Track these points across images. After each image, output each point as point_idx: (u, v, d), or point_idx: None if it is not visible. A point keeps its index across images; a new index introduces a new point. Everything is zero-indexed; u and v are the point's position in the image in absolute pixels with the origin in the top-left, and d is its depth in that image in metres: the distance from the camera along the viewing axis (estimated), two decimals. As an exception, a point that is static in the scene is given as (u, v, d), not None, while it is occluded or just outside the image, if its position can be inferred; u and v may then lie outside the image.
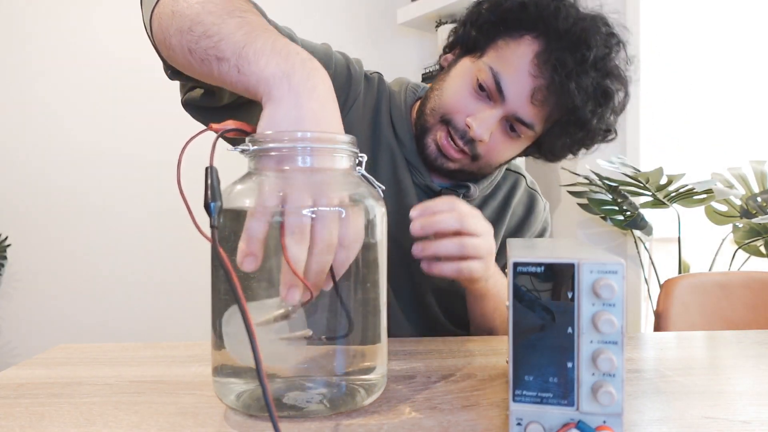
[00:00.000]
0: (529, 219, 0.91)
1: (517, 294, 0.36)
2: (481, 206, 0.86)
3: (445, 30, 2.06)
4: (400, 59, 2.27)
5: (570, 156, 0.82)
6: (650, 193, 1.56)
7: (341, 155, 0.44)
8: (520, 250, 0.40)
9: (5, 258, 2.13)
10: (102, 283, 2.17)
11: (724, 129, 1.98)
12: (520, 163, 1.03)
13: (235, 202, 0.42)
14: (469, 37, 0.77)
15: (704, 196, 1.52)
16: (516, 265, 0.36)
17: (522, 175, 0.93)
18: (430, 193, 0.82)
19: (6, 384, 0.53)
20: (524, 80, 0.71)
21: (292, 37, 0.70)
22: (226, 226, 0.42)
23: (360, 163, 0.47)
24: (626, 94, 0.76)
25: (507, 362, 0.42)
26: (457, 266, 0.63)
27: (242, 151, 0.43)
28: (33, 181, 2.13)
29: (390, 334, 0.50)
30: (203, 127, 0.45)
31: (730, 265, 1.66)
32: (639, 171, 1.54)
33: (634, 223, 1.65)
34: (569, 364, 0.35)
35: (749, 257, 1.68)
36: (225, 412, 0.45)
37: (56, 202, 2.14)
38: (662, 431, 0.41)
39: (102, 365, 0.59)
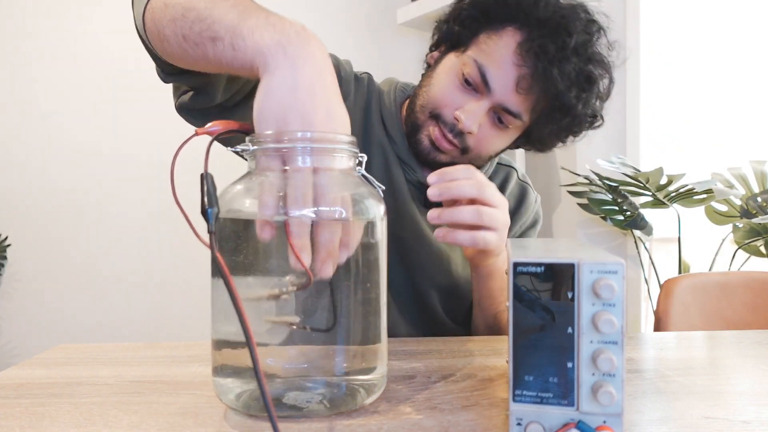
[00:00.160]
0: (520, 210, 0.92)
1: (518, 294, 0.36)
2: None
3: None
4: (400, 59, 2.27)
5: (559, 144, 0.83)
6: (650, 193, 1.56)
7: (341, 155, 0.44)
8: (520, 250, 0.40)
9: (5, 258, 2.13)
10: (102, 283, 2.17)
11: (724, 129, 1.98)
12: (520, 163, 1.03)
13: (235, 203, 0.42)
14: (453, 33, 0.78)
15: (704, 196, 1.52)
16: (516, 265, 0.36)
17: (513, 168, 0.95)
18: (423, 189, 0.82)
19: (6, 384, 0.53)
20: (508, 70, 0.72)
21: None
22: (227, 226, 0.42)
23: (360, 163, 0.47)
24: (611, 80, 0.77)
25: (507, 362, 0.42)
26: (472, 235, 0.61)
27: (242, 151, 0.43)
28: (33, 181, 2.13)
29: (388, 334, 0.50)
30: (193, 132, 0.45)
31: (730, 265, 1.66)
32: (639, 171, 1.54)
33: (634, 223, 1.65)
34: (569, 364, 0.35)
35: (749, 257, 1.68)
36: (225, 412, 0.45)
37: (56, 202, 2.14)
38: (662, 431, 0.41)
39: (102, 365, 0.59)
